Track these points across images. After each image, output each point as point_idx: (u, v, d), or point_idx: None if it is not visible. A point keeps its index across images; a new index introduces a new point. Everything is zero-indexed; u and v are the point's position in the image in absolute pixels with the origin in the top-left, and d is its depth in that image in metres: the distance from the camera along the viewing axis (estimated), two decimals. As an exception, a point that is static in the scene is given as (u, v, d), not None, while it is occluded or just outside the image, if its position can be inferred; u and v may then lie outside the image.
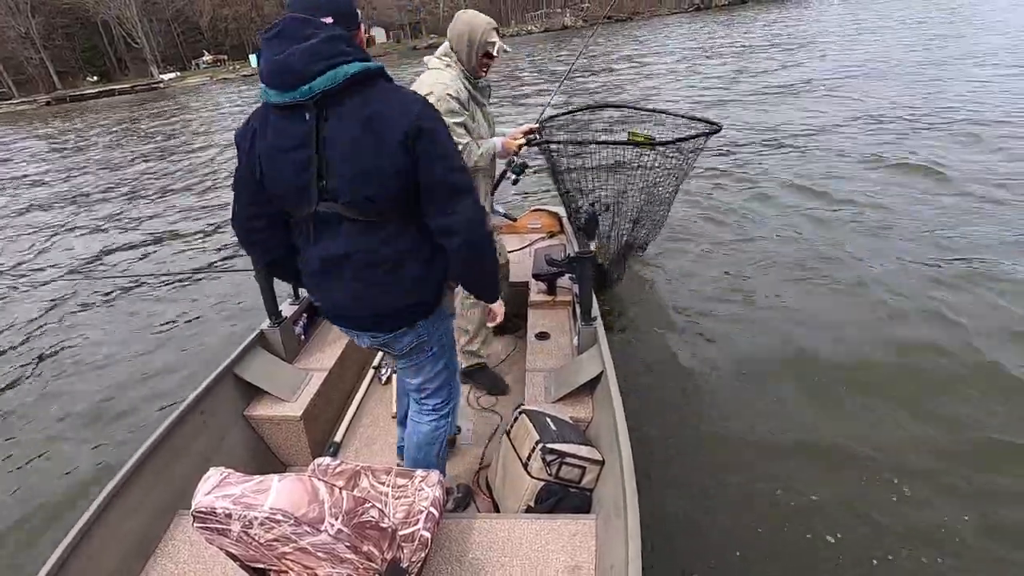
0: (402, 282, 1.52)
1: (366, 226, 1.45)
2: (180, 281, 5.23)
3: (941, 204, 5.06)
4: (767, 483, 2.41)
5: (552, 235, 3.76)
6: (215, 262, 5.82)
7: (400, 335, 1.63)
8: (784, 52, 16.84)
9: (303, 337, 2.72)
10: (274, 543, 1.18)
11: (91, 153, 14.92)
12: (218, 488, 1.17)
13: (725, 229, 5.08)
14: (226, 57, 61.84)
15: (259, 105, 1.44)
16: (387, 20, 64.71)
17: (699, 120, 3.21)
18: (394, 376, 2.46)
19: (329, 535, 1.15)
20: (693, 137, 3.04)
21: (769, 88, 11.54)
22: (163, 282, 5.26)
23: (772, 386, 3.01)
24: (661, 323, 3.69)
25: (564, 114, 3.55)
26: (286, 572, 1.28)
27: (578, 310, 2.39)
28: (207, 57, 62.86)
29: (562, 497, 1.84)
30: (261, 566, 1.29)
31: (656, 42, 26.15)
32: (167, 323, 4.49)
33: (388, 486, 1.65)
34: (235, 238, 1.63)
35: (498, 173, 2.73)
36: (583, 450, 1.87)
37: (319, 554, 1.19)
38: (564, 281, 2.96)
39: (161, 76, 54.28)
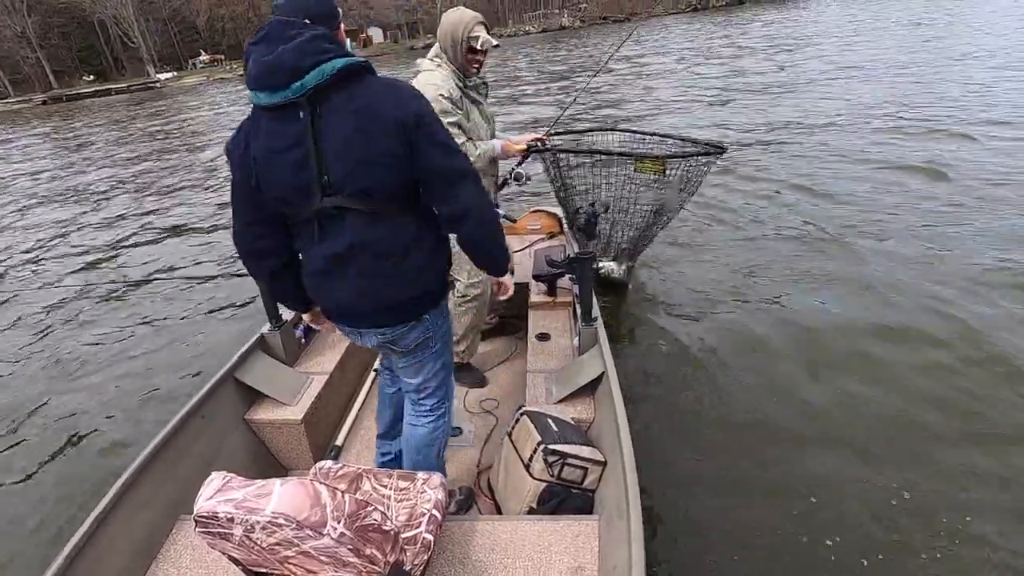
0: (407, 273, 1.54)
1: (370, 218, 1.46)
2: (178, 285, 5.22)
3: (939, 201, 5.08)
4: (769, 483, 2.41)
5: (552, 236, 3.76)
6: (214, 265, 5.82)
7: (408, 330, 1.63)
8: (783, 52, 16.87)
9: (303, 340, 2.72)
10: (276, 547, 1.17)
11: (88, 152, 14.89)
12: (220, 492, 1.17)
13: (725, 228, 5.09)
14: (223, 57, 61.71)
15: (247, 115, 1.46)
16: (384, 20, 64.71)
17: (705, 144, 3.19)
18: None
19: (331, 539, 1.15)
20: (692, 155, 3.03)
21: (768, 88, 11.56)
22: (163, 285, 5.25)
23: (774, 385, 3.01)
24: (662, 323, 3.69)
25: (572, 132, 3.57)
26: (289, 576, 1.27)
27: (579, 311, 2.39)
28: (204, 57, 62.71)
29: (564, 498, 1.84)
30: (263, 570, 1.28)
31: (655, 42, 26.16)
32: (166, 327, 4.49)
33: (390, 489, 1.65)
34: (235, 245, 1.64)
35: (501, 173, 2.74)
36: (585, 451, 1.87)
37: (322, 558, 1.19)
38: (564, 282, 2.96)
39: (158, 76, 54.10)
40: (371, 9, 61.93)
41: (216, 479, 1.20)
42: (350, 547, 1.18)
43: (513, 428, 2.05)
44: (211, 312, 4.66)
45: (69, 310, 5.03)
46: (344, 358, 2.69)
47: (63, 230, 7.82)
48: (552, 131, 3.21)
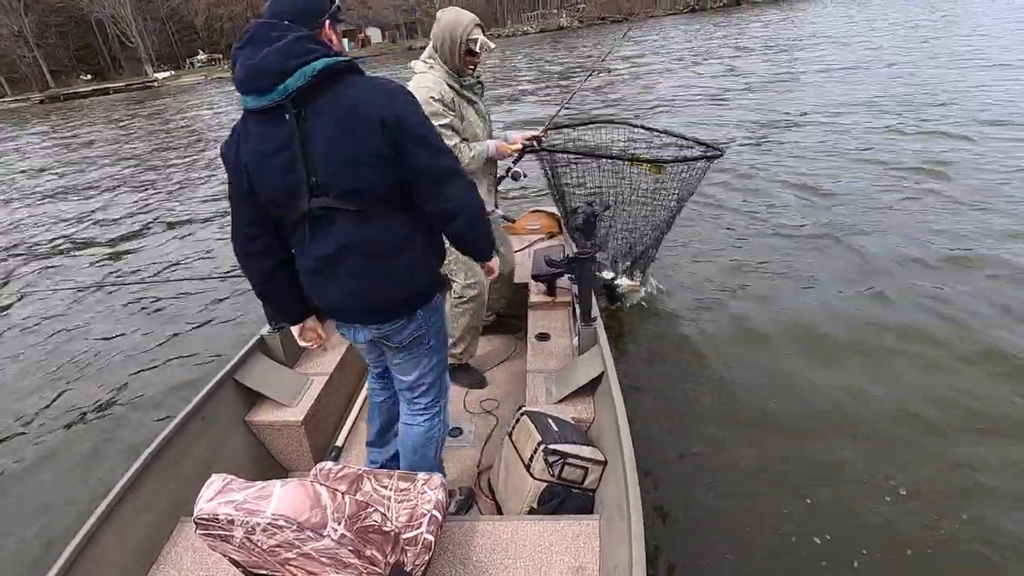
0: (396, 274, 1.54)
1: (359, 218, 1.47)
2: (177, 287, 5.21)
3: (936, 198, 5.09)
4: (769, 482, 2.41)
5: (551, 236, 3.76)
6: (214, 267, 5.81)
7: (401, 327, 1.64)
8: (780, 53, 16.89)
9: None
10: (277, 549, 1.17)
11: (88, 152, 14.85)
12: (220, 494, 1.17)
13: (723, 226, 5.09)
14: (221, 56, 61.50)
15: (240, 118, 1.47)
16: (383, 20, 64.66)
17: (703, 144, 3.15)
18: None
19: (332, 540, 1.15)
20: (692, 160, 3.01)
21: (766, 87, 11.57)
22: (163, 287, 5.25)
23: (774, 383, 3.01)
24: (662, 322, 3.69)
25: (571, 126, 3.55)
26: (289, 578, 1.27)
27: (578, 310, 2.39)
28: (202, 56, 62.59)
29: (565, 498, 1.84)
30: (264, 572, 1.28)
31: (653, 42, 26.17)
32: (166, 328, 4.48)
33: (391, 490, 1.65)
34: (232, 244, 1.64)
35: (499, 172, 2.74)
36: (585, 450, 1.87)
37: (322, 559, 1.19)
38: (563, 282, 2.96)
39: (155, 75, 53.91)
40: (369, 9, 61.89)
41: (216, 481, 1.20)
42: (351, 548, 1.18)
43: (513, 428, 2.05)
44: (211, 314, 4.66)
45: (68, 312, 5.03)
46: (344, 360, 2.69)
47: (62, 231, 7.81)
48: (549, 127, 3.20)
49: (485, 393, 2.82)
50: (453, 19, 2.25)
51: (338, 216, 1.46)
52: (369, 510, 1.25)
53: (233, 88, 1.43)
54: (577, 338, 2.39)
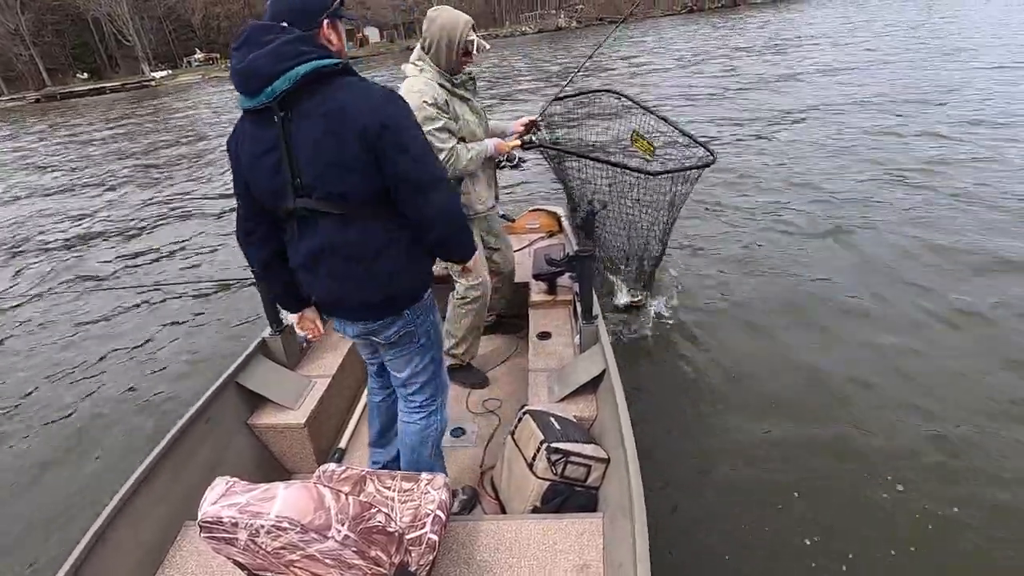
0: (378, 277, 1.55)
1: (341, 221, 1.48)
2: (177, 290, 5.22)
3: (937, 195, 5.11)
4: (772, 479, 2.41)
5: (551, 235, 3.76)
6: (214, 270, 5.82)
7: (387, 324, 1.65)
8: (779, 53, 16.86)
9: (305, 344, 2.72)
10: (281, 551, 1.18)
11: (87, 152, 14.85)
12: (224, 497, 1.17)
13: (722, 224, 5.09)
14: (218, 55, 61.41)
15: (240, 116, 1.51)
16: (381, 20, 64.56)
17: (698, 144, 3.10)
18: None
19: (336, 541, 1.15)
20: (683, 170, 2.96)
21: (765, 86, 11.58)
22: (164, 290, 5.25)
23: (776, 380, 3.01)
24: (662, 320, 3.69)
25: (566, 97, 3.49)
26: (294, 579, 1.27)
27: (579, 309, 2.39)
28: (199, 55, 62.41)
29: (568, 496, 1.84)
30: (269, 575, 1.29)
31: (652, 43, 26.15)
32: (167, 332, 4.49)
33: (394, 490, 1.65)
34: (234, 246, 1.66)
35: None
36: (588, 448, 1.87)
37: (327, 561, 1.19)
38: (564, 280, 2.96)
39: (153, 74, 53.82)
40: (368, 9, 61.82)
41: (220, 484, 1.20)
42: (355, 549, 1.18)
43: (516, 427, 2.05)
44: (211, 317, 4.66)
45: (69, 316, 5.03)
46: (345, 361, 2.69)
47: (61, 233, 7.81)
48: (545, 112, 3.17)
49: (487, 393, 2.82)
50: (450, 21, 2.23)
51: (321, 218, 1.48)
52: (373, 511, 1.25)
53: (232, 87, 1.44)
54: (578, 336, 2.39)
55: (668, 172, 2.96)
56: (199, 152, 13.10)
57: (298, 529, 1.12)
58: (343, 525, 1.17)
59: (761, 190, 5.82)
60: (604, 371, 2.14)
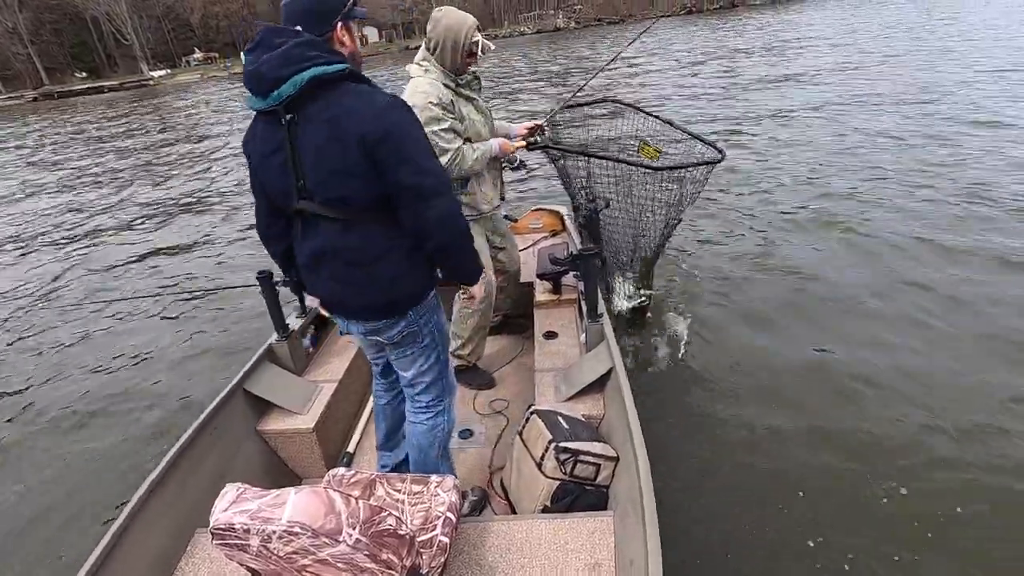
0: (378, 281, 1.55)
1: (342, 225, 1.49)
2: (180, 296, 5.23)
3: (937, 193, 5.12)
4: (779, 475, 2.40)
5: (554, 234, 3.76)
6: (218, 277, 5.83)
7: (390, 324, 1.65)
8: (777, 54, 16.87)
9: (311, 349, 2.73)
10: (293, 556, 1.18)
11: (86, 151, 14.91)
12: (235, 504, 1.17)
13: (726, 226, 5.09)
14: (217, 55, 61.58)
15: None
16: (380, 20, 64.60)
17: (706, 143, 3.05)
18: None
19: (348, 545, 1.15)
20: (692, 165, 2.94)
21: (764, 86, 11.60)
22: (165, 296, 5.26)
23: (781, 378, 3.00)
24: (667, 318, 3.68)
25: (576, 106, 3.48)
26: (307, 584, 1.28)
27: (584, 307, 2.38)
28: (198, 54, 62.58)
29: (578, 495, 1.84)
30: (281, 579, 1.29)
31: (651, 43, 26.11)
32: (171, 337, 4.50)
33: (404, 493, 1.65)
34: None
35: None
36: (596, 447, 1.86)
37: (339, 565, 1.19)
38: (568, 279, 2.96)
39: (151, 73, 53.91)
40: (366, 9, 61.97)
41: (231, 491, 1.20)
42: (366, 553, 1.18)
43: (524, 427, 2.05)
44: (216, 324, 4.67)
45: (71, 323, 5.04)
46: (352, 365, 2.69)
47: (60, 234, 7.84)
48: (551, 117, 3.17)
49: (494, 394, 2.82)
50: (456, 22, 2.23)
51: (322, 221, 1.49)
52: (383, 514, 1.25)
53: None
54: (584, 335, 2.39)
55: (675, 167, 2.95)
56: (203, 154, 13.10)
57: (309, 534, 1.12)
58: (354, 529, 1.17)
59: (762, 190, 5.82)
60: (611, 369, 2.13)
